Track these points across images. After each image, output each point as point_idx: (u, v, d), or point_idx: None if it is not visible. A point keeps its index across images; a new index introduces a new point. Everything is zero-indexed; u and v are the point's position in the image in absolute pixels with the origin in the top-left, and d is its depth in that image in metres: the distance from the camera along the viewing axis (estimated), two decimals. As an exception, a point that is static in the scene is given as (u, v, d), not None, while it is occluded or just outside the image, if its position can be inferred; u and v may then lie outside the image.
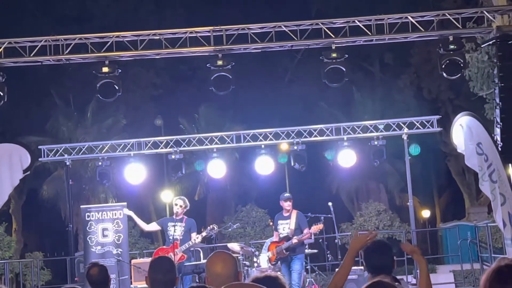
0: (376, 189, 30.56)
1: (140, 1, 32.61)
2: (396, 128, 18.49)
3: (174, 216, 13.67)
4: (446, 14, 13.81)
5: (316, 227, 14.03)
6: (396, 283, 5.16)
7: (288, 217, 14.01)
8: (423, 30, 13.80)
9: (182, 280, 12.93)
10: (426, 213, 36.27)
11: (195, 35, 13.90)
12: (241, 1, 31.99)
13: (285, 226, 14.01)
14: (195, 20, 24.11)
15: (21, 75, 21.78)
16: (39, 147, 18.99)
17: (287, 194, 14.45)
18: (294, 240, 13.73)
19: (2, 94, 13.66)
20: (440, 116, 19.30)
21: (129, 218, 15.41)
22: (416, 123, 18.57)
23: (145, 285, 5.66)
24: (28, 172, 13.57)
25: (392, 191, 31.46)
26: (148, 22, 26.95)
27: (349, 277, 15.05)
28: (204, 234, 13.71)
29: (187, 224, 13.61)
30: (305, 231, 13.87)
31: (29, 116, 29.99)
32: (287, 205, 14.02)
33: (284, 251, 13.79)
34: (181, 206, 13.63)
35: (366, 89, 31.39)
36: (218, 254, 4.87)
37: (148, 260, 16.74)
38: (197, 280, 12.94)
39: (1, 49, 13.69)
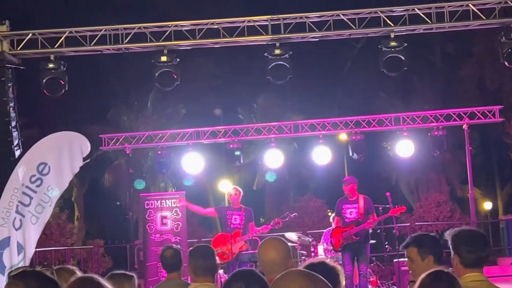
0: (436, 180, 30.16)
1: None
2: (457, 118, 18.19)
3: (231, 205, 13.72)
4: (508, 1, 13.51)
5: (399, 209, 13.48)
6: None
7: (355, 202, 13.40)
8: (484, 18, 13.54)
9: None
10: (488, 205, 35.64)
11: (252, 24, 13.91)
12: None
13: (352, 211, 13.39)
14: (253, 8, 24.11)
15: (82, 65, 22.09)
16: (100, 136, 19.22)
17: (346, 178, 13.98)
18: (368, 223, 13.15)
19: (63, 83, 13.90)
20: (502, 106, 18.88)
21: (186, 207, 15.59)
22: (478, 113, 18.24)
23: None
24: (88, 160, 13.72)
25: (453, 182, 31.03)
26: (206, 10, 27.04)
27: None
28: (269, 227, 13.68)
29: (246, 213, 13.60)
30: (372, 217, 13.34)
31: (90, 106, 30.43)
32: (348, 188, 13.43)
33: (353, 236, 13.17)
34: (235, 194, 13.65)
35: (427, 79, 31.00)
36: (268, 240, 4.79)
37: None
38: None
39: (62, 38, 13.92)
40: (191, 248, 5.81)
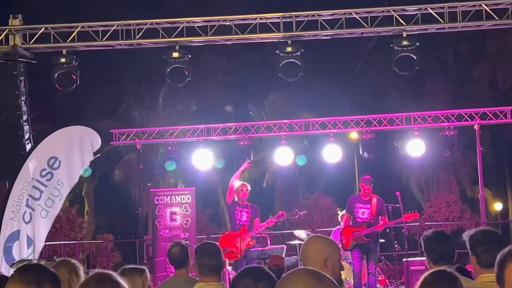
0: (446, 180, 30.12)
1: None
2: (468, 118, 18.11)
3: (239, 201, 13.70)
4: (522, 2, 13.46)
5: (412, 215, 13.43)
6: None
7: (368, 202, 13.33)
8: (497, 18, 13.49)
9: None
10: (498, 206, 35.52)
11: (264, 21, 13.90)
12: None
13: (365, 211, 13.32)
14: (265, 5, 24.09)
15: (94, 60, 22.14)
16: (111, 131, 19.25)
17: (368, 177, 13.76)
18: (379, 227, 13.16)
19: (75, 77, 13.94)
20: (514, 107, 18.78)
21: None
22: (489, 114, 18.17)
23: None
24: (99, 155, 13.79)
25: (463, 182, 30.96)
26: (218, 7, 27.03)
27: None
28: (274, 220, 13.69)
29: (252, 210, 13.59)
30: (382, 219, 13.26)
31: (102, 101, 30.50)
32: (367, 188, 13.32)
33: (364, 237, 13.13)
34: (247, 190, 13.63)
35: (439, 78, 30.94)
36: (311, 237, 4.73)
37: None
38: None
39: (75, 33, 13.95)
40: (196, 246, 5.81)
